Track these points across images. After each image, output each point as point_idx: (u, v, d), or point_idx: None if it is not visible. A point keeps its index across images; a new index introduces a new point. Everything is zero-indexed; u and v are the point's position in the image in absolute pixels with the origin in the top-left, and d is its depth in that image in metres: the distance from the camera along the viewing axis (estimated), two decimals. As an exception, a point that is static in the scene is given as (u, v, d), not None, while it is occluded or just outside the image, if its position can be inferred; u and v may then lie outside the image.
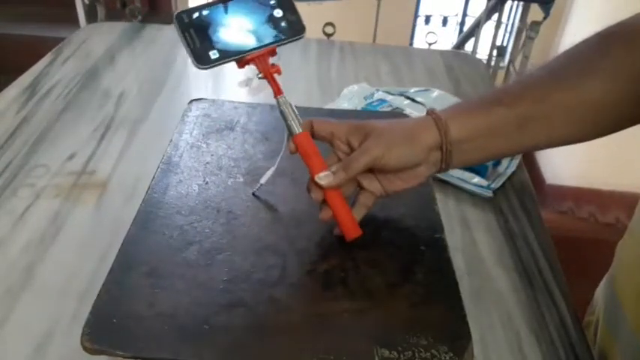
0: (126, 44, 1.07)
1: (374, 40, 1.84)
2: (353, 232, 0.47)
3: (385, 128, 0.47)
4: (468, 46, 2.06)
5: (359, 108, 0.84)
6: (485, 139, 0.47)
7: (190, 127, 0.62)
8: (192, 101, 0.67)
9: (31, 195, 0.66)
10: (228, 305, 0.41)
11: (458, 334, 0.40)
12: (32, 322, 0.51)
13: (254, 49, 0.46)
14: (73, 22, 1.80)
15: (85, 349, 0.38)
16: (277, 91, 0.47)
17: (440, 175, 0.69)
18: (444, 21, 2.84)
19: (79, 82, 0.92)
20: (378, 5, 1.81)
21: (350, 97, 0.87)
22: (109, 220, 0.63)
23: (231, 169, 0.56)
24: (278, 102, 0.47)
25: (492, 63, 1.83)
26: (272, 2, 0.47)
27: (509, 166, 0.74)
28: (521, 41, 1.78)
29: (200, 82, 0.98)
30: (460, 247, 0.62)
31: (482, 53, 1.94)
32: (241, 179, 0.55)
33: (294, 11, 0.48)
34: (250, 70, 0.47)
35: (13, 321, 0.51)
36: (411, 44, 2.83)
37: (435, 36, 1.64)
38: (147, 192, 0.52)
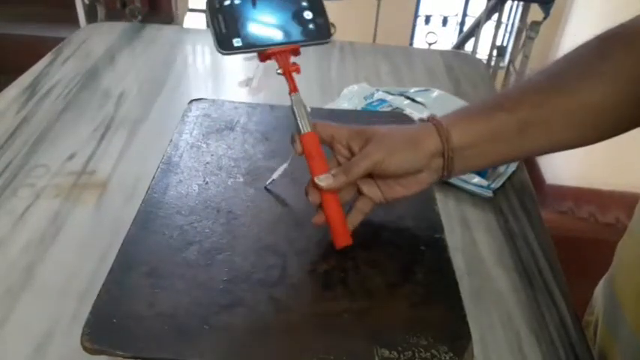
0: (126, 44, 1.07)
1: (374, 40, 1.84)
2: (343, 240, 0.47)
3: (386, 134, 0.47)
4: (468, 46, 2.06)
5: (359, 108, 0.83)
6: (486, 145, 0.47)
7: (190, 127, 0.62)
8: (192, 101, 0.67)
9: (31, 195, 0.66)
10: (228, 305, 0.41)
11: (458, 334, 0.40)
12: (32, 322, 0.51)
13: (278, 43, 0.47)
14: (73, 22, 1.80)
15: (85, 349, 0.38)
16: (293, 89, 0.47)
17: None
18: (444, 21, 2.83)
19: (79, 82, 0.92)
20: (378, 5, 1.81)
21: (350, 97, 0.87)
22: (109, 220, 0.63)
23: (231, 169, 0.56)
24: (292, 99, 0.47)
25: (492, 63, 1.83)
26: (303, 3, 0.48)
27: (509, 166, 0.74)
28: (521, 41, 1.78)
29: (200, 82, 0.98)
30: (460, 247, 0.62)
31: (483, 53, 1.94)
32: (241, 179, 0.55)
33: (324, 15, 0.48)
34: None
35: (13, 321, 0.51)
36: (411, 44, 2.83)
37: (435, 36, 1.64)
38: (147, 192, 0.52)
